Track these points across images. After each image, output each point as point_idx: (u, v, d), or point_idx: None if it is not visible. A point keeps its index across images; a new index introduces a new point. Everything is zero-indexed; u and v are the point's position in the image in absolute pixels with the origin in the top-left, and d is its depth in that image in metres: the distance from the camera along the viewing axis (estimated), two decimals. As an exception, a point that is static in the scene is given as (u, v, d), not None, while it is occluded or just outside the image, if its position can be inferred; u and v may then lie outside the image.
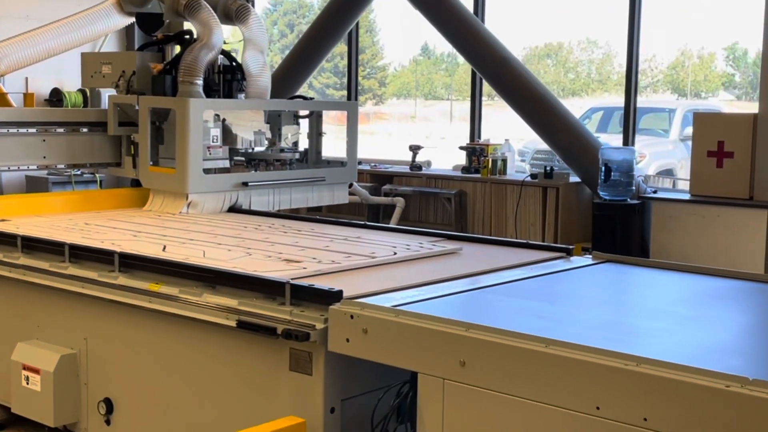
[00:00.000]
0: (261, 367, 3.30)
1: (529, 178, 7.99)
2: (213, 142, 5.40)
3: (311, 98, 6.30)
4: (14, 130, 5.35)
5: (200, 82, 5.42)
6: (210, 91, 5.60)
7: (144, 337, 3.75)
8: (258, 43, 5.84)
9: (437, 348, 2.75)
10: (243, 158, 5.84)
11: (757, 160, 7.09)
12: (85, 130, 5.67)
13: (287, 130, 5.92)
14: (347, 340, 2.98)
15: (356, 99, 9.18)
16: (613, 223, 7.25)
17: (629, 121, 8.07)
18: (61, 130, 5.57)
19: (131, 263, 3.83)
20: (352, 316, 2.96)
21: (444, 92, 17.28)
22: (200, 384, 3.54)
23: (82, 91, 10.33)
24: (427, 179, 8.55)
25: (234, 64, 5.82)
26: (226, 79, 5.76)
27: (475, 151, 8.52)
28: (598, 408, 2.43)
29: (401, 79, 17.64)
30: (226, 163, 5.53)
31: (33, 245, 4.27)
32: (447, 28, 8.23)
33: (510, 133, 10.10)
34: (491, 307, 3.18)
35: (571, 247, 4.20)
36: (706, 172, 7.28)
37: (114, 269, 3.84)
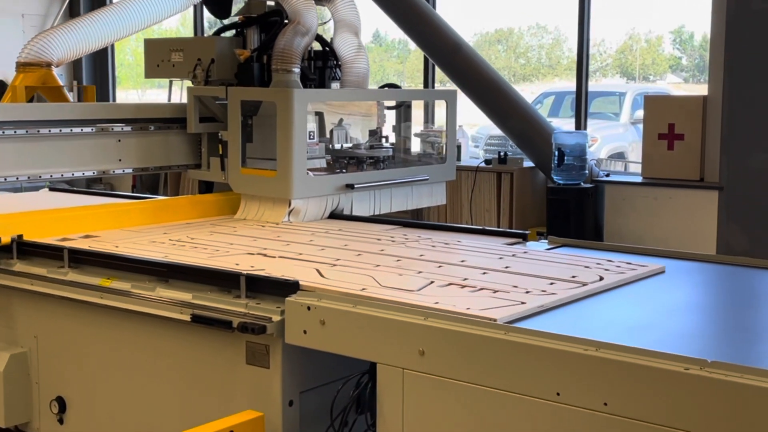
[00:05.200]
0: (217, 362, 3.24)
1: (483, 164, 8.00)
2: (309, 139, 4.67)
3: (398, 86, 5.59)
4: (77, 130, 4.62)
5: (298, 70, 4.69)
6: (306, 80, 4.86)
7: (96, 334, 3.67)
8: (350, 23, 5.09)
9: (396, 338, 2.72)
10: (329, 156, 5.05)
11: (707, 142, 7.19)
12: (152, 128, 4.93)
13: (380, 122, 5.24)
14: (305, 332, 2.93)
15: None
16: (567, 207, 7.31)
17: (581, 105, 8.12)
18: (128, 128, 4.81)
19: (81, 258, 3.75)
20: (309, 308, 2.92)
21: (396, 79, 17.25)
22: (155, 380, 3.47)
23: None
24: (382, 167, 8.50)
25: (327, 49, 5.11)
26: (317, 66, 5.05)
27: (429, 137, 8.50)
28: (558, 394, 2.42)
29: (353, 66, 17.55)
30: (323, 163, 4.89)
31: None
32: (399, 15, 8.20)
33: (463, 119, 10.11)
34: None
35: (526, 232, 4.20)
36: (657, 155, 7.36)
37: (63, 265, 3.75)
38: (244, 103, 4.70)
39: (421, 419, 2.70)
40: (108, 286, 3.54)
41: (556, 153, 7.35)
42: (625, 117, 14.55)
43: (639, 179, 7.51)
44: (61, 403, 3.83)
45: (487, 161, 8.03)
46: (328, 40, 5.17)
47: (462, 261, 3.57)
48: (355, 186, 4.78)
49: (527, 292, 3.02)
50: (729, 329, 2.83)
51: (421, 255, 3.68)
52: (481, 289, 3.08)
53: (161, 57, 5.12)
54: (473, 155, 9.14)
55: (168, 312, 3.32)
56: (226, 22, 5.31)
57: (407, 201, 5.21)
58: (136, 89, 17.91)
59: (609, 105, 14.98)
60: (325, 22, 5.27)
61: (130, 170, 4.92)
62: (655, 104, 7.49)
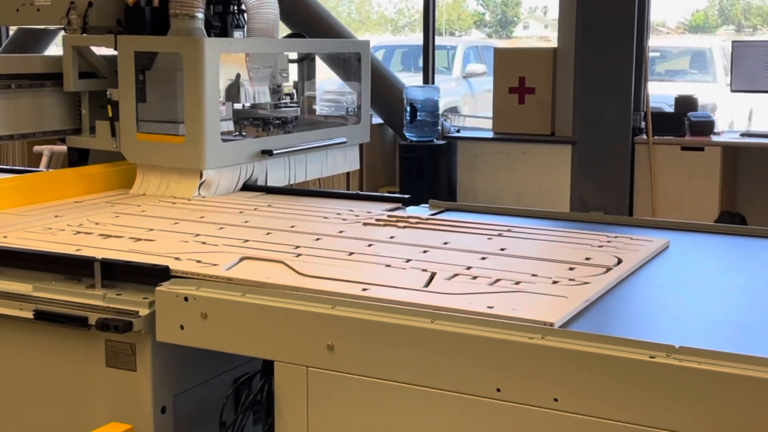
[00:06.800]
0: (70, 366, 2.70)
1: (329, 121, 7.60)
2: None
3: (304, 36, 4.86)
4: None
5: (201, 16, 4.06)
6: (209, 28, 4.21)
7: None
8: None
9: (298, 331, 2.31)
10: (229, 118, 4.34)
11: (557, 95, 7.10)
12: (12, 85, 4.00)
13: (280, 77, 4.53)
14: (182, 328, 2.46)
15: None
16: (420, 164, 7.05)
17: (428, 59, 7.85)
18: None
19: None
20: (186, 298, 2.45)
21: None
22: (-10, 390, 2.89)
23: None
24: (219, 125, 7.94)
25: None
26: (217, 12, 4.36)
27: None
28: (498, 390, 2.09)
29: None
30: (231, 126, 4.21)
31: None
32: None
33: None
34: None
35: (406, 196, 3.87)
36: (508, 109, 7.21)
37: None
38: (137, 55, 3.98)
39: (330, 425, 2.31)
40: None
41: (408, 109, 7.05)
42: (457, 71, 14.52)
43: (490, 135, 7.35)
44: None
45: (333, 118, 7.64)
46: None
47: (445, 243, 3.02)
48: (274, 152, 4.18)
49: (555, 282, 2.53)
50: None
51: (392, 237, 3.12)
52: (498, 280, 2.56)
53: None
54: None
55: (4, 308, 2.74)
56: None
57: (322, 167, 4.66)
58: None
59: (439, 60, 15.00)
60: None
61: None
62: (505, 57, 7.33)
